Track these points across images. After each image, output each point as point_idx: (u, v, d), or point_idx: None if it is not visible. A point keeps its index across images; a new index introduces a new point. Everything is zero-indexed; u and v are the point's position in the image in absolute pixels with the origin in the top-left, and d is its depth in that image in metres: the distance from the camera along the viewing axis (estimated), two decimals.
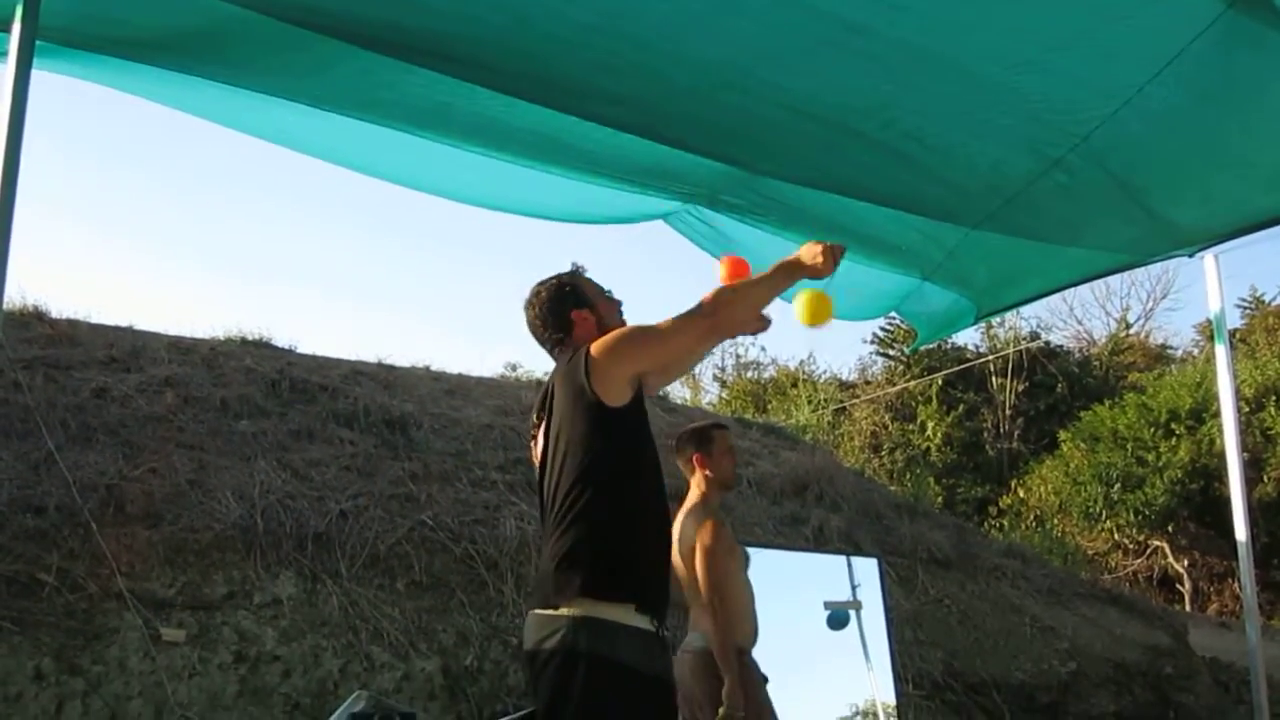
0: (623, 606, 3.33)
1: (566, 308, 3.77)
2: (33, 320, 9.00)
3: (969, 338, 26.24)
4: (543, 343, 3.85)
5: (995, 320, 24.03)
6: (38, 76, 3.42)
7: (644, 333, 3.57)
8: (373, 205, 52.07)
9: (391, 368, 11.00)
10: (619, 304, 3.86)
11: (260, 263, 44.73)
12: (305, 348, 10.60)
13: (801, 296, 3.77)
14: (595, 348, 3.52)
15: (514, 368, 12.95)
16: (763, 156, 4.63)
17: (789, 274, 3.69)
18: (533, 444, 3.78)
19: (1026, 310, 25.82)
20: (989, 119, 4.07)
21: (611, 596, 3.33)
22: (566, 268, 3.92)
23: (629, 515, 3.41)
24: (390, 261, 47.51)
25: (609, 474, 3.44)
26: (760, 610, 5.86)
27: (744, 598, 5.10)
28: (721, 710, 4.71)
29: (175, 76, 4.03)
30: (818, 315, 3.77)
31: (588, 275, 3.90)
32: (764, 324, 3.84)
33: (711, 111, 4.15)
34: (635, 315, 3.80)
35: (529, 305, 3.85)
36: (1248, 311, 27.64)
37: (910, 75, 3.80)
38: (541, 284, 3.85)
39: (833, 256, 3.66)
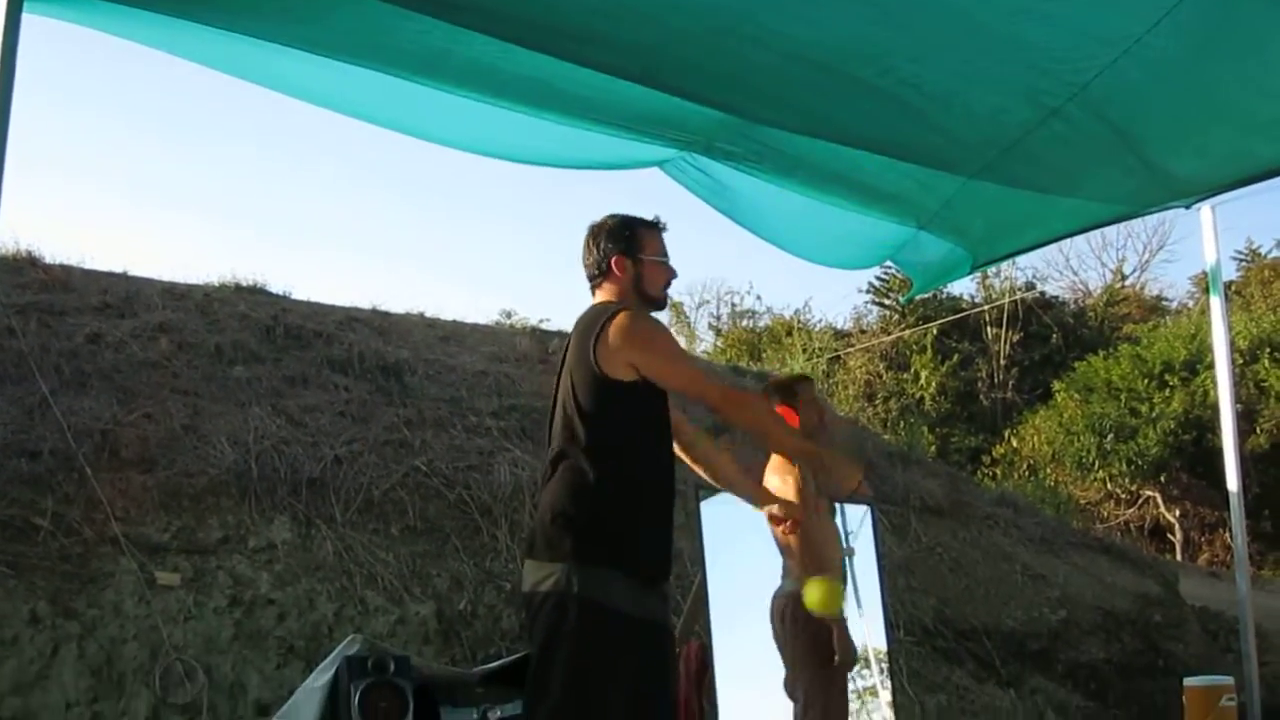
0: (613, 569, 3.37)
1: (614, 250, 3.74)
2: (26, 265, 8.96)
3: (964, 288, 26.24)
4: (584, 269, 3.83)
5: (991, 270, 24.01)
6: (28, 20, 3.38)
7: (663, 342, 3.58)
8: (368, 154, 51.86)
9: (386, 314, 10.98)
10: (669, 275, 3.81)
11: (254, 212, 44.67)
12: (300, 294, 10.58)
13: (816, 588, 4.02)
14: (618, 320, 3.54)
15: (509, 315, 12.93)
16: (759, 104, 4.61)
17: (788, 449, 3.72)
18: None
19: (1022, 260, 25.81)
20: (987, 67, 4.05)
21: (601, 562, 3.37)
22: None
23: (621, 485, 3.43)
24: (385, 210, 47.44)
25: (602, 443, 3.47)
26: (755, 557, 5.91)
27: (830, 545, 5.18)
28: (837, 659, 4.96)
29: (170, 21, 3.99)
30: (828, 604, 4.08)
31: (660, 233, 3.85)
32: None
33: (708, 58, 4.12)
34: None
35: (590, 229, 3.83)
36: (1243, 264, 27.71)
37: (908, 21, 3.77)
38: (611, 216, 3.84)
39: (819, 466, 3.65)
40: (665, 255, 3.81)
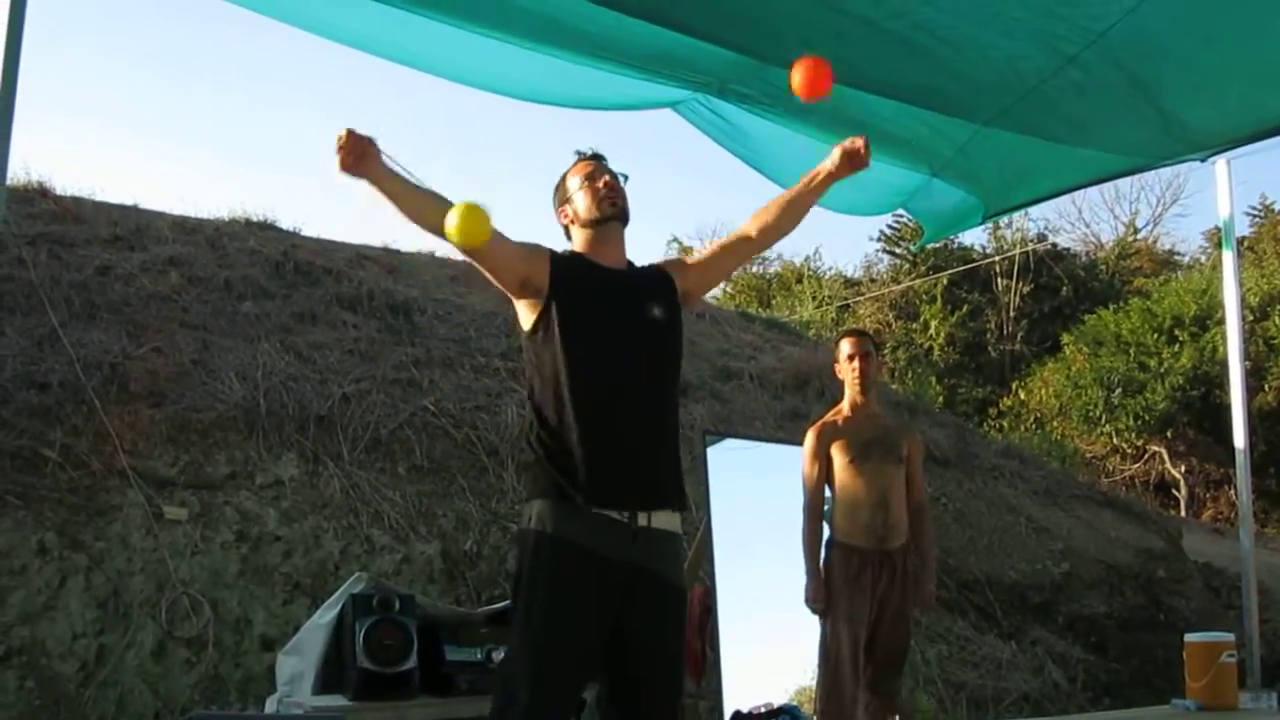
0: (561, 502, 3.32)
1: (555, 205, 3.65)
2: (36, 196, 8.96)
3: (975, 238, 26.11)
4: None
5: (1002, 221, 23.90)
6: None
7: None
8: (374, 93, 51.62)
9: (396, 252, 10.98)
10: (592, 192, 3.53)
11: (260, 150, 44.51)
12: (310, 231, 10.58)
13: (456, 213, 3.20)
14: None
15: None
16: (773, 45, 4.57)
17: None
18: None
19: (1034, 211, 25.64)
20: (1003, 12, 4.01)
21: (549, 496, 3.33)
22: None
23: (554, 416, 3.36)
24: (394, 151, 47.19)
25: (532, 380, 3.47)
26: (758, 503, 5.92)
27: (853, 496, 5.22)
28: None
29: None
30: (469, 233, 3.27)
31: (583, 160, 3.62)
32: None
33: None
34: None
35: None
36: (1256, 220, 27.51)
37: None
38: None
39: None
40: (578, 178, 3.57)
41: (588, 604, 3.28)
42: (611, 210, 3.52)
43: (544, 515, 3.33)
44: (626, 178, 3.62)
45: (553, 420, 3.37)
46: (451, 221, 3.10)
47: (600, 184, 3.52)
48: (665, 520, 3.40)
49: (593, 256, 3.54)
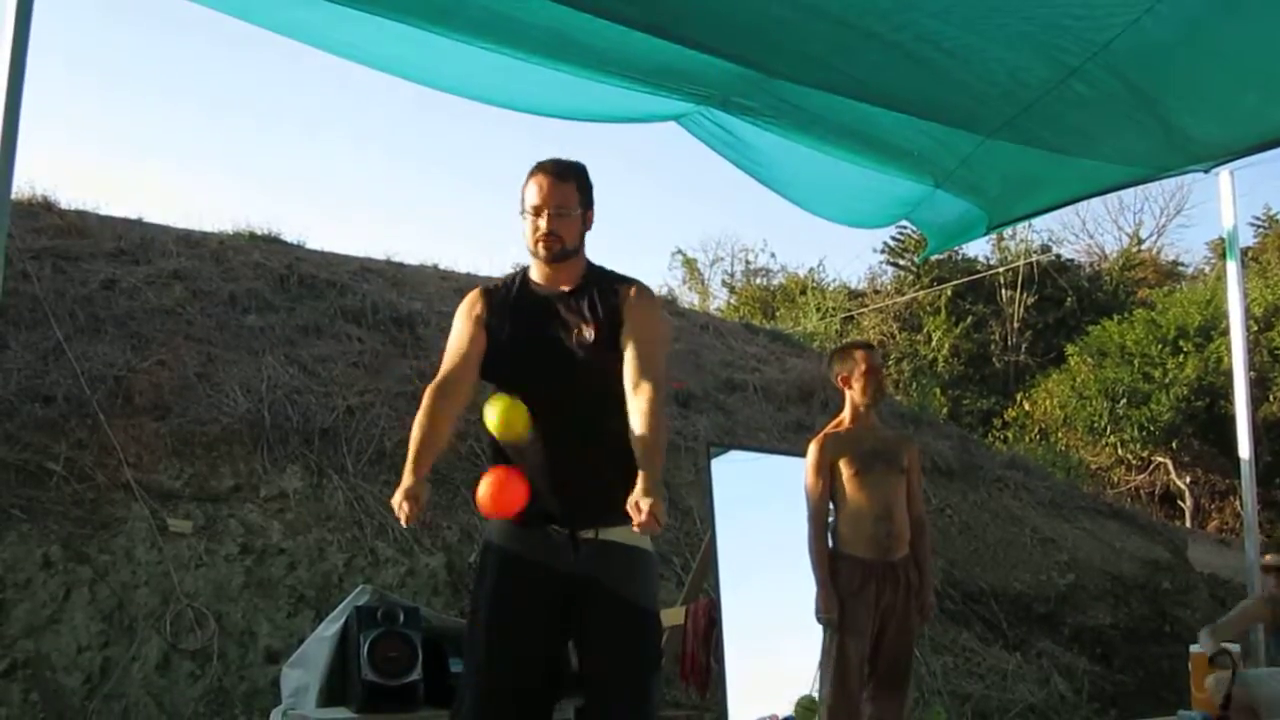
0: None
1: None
2: (41, 210, 8.96)
3: (979, 249, 26.13)
4: None
5: (1006, 232, 23.94)
6: None
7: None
8: (379, 110, 51.76)
9: (400, 265, 10.99)
10: (532, 229, 3.43)
11: (263, 167, 44.64)
12: (314, 244, 10.59)
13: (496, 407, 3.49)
14: None
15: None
16: (776, 58, 4.57)
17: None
18: None
19: (1038, 223, 25.68)
20: (1007, 24, 4.00)
21: None
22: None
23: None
24: (395, 163, 47.41)
25: None
26: (762, 515, 5.92)
27: (857, 507, 5.22)
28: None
29: None
30: (510, 426, 3.48)
31: (534, 176, 3.45)
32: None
33: (725, 10, 4.09)
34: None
35: None
36: (1260, 230, 27.52)
37: None
38: None
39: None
40: (528, 204, 3.43)
41: (527, 612, 3.34)
42: (546, 256, 3.44)
43: (491, 527, 3.55)
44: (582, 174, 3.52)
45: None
46: (492, 416, 3.52)
47: (539, 228, 3.41)
48: (620, 533, 3.27)
49: (534, 277, 3.57)
